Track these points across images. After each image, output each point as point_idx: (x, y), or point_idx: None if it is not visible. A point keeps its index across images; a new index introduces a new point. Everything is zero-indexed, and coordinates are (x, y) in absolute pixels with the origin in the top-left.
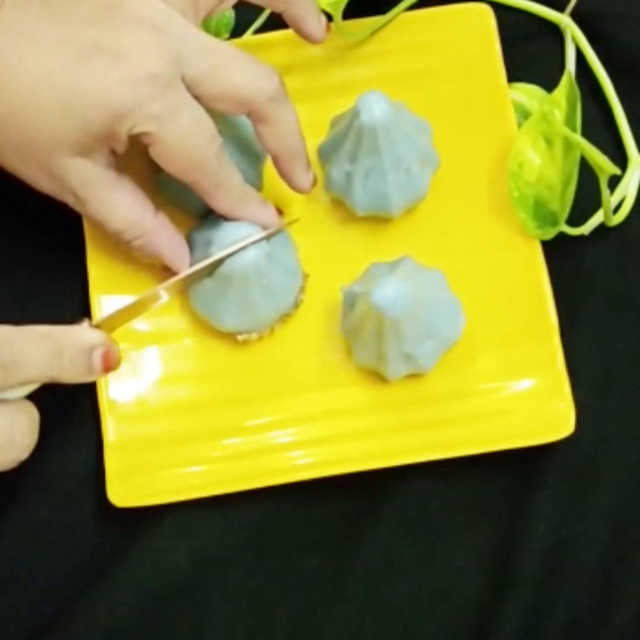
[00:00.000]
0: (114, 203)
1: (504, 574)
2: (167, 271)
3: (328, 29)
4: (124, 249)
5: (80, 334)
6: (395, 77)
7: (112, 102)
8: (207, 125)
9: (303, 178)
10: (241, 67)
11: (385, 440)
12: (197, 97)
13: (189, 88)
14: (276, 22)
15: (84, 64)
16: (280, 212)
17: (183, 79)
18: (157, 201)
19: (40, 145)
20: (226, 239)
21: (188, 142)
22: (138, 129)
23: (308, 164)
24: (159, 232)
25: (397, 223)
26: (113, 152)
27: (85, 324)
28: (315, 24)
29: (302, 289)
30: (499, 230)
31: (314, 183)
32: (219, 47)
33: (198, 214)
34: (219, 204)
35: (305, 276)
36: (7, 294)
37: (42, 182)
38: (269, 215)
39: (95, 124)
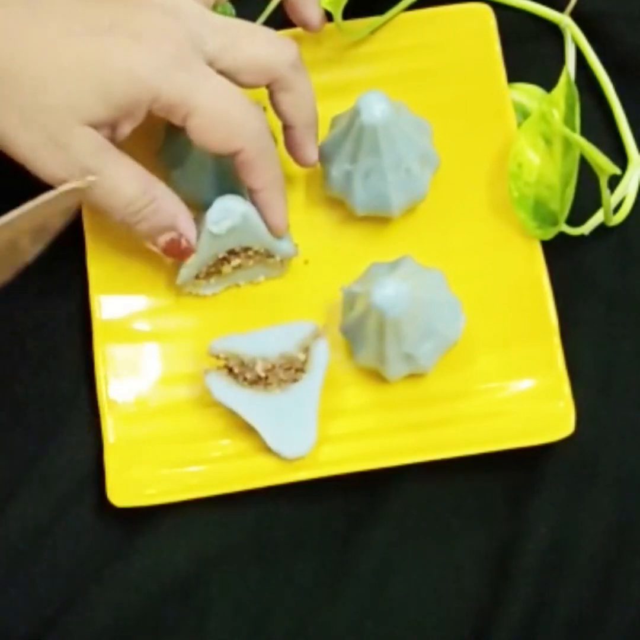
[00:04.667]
0: (125, 170)
1: (504, 574)
2: (170, 253)
3: (325, 19)
4: (131, 223)
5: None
6: (395, 77)
7: (139, 73)
8: (239, 92)
9: (313, 150)
10: (260, 38)
11: (385, 440)
12: (220, 73)
13: (210, 65)
14: (276, 22)
15: (104, 36)
16: (288, 228)
17: (203, 58)
18: None
19: (51, 108)
20: (213, 211)
21: (224, 106)
22: (166, 100)
23: (317, 137)
24: (169, 195)
25: (397, 223)
26: (114, 128)
27: None
28: (314, 12)
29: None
30: (499, 230)
31: (317, 158)
32: (234, 22)
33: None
34: (256, 178)
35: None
36: (7, 294)
37: (44, 154)
38: (285, 221)
39: (119, 94)
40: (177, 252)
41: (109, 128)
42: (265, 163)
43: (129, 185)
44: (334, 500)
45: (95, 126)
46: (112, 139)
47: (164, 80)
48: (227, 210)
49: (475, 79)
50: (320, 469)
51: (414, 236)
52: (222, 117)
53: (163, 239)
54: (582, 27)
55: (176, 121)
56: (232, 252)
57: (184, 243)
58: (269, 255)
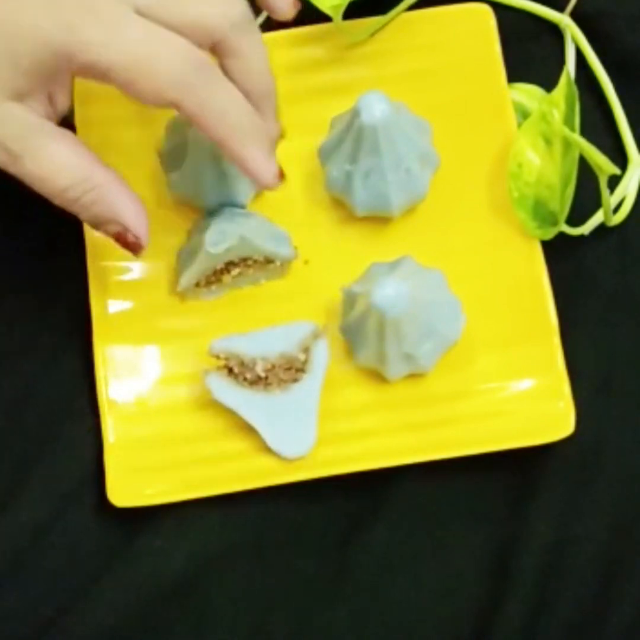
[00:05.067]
0: (56, 155)
1: (504, 574)
2: (120, 244)
3: (296, 6)
4: (71, 211)
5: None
6: (395, 78)
7: (40, 32)
8: (169, 38)
9: (272, 123)
10: None
11: (385, 440)
12: None
13: None
14: (276, 22)
15: None
16: (282, 176)
17: (137, 12)
18: (168, 201)
19: None
20: (210, 233)
21: (146, 55)
22: (81, 59)
23: (278, 109)
24: (113, 186)
25: (397, 223)
26: (50, 101)
27: None
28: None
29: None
30: (499, 230)
31: (284, 134)
32: None
33: (210, 215)
34: (209, 131)
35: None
36: (7, 294)
37: None
38: (270, 170)
39: (28, 56)
40: (125, 245)
41: (42, 101)
42: (213, 113)
43: (63, 171)
44: (334, 500)
45: (20, 97)
46: (51, 114)
47: (73, 36)
48: (224, 233)
49: (475, 79)
50: (320, 469)
51: (414, 236)
52: (143, 68)
53: (108, 229)
54: (582, 27)
55: (101, 81)
56: (231, 263)
57: (131, 238)
58: (268, 261)
